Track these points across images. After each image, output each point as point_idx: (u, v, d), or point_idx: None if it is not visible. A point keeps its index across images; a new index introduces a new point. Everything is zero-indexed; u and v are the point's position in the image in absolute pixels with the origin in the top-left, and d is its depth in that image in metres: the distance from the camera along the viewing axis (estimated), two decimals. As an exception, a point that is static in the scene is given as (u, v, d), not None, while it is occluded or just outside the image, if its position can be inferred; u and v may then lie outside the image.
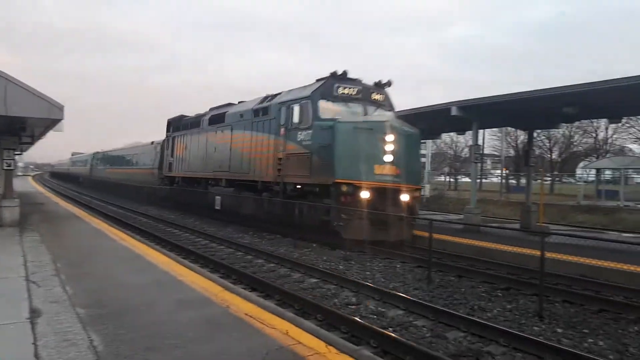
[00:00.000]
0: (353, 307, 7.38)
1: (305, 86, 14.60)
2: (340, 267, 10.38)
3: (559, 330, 6.48)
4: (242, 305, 5.70)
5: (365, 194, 12.14)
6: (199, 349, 4.24)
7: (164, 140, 25.68)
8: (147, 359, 3.99)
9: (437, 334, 6.23)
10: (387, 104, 14.57)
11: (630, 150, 48.85)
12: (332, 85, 13.68)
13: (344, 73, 14.10)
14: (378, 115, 13.90)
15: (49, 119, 11.17)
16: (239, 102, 19.24)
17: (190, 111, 24.19)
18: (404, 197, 12.80)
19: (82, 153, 60.97)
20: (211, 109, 21.17)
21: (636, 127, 45.44)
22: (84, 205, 23.50)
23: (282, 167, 14.22)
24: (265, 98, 16.29)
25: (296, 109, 13.77)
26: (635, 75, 10.96)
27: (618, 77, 11.41)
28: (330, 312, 6.72)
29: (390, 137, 12.48)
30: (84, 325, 4.75)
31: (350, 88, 13.86)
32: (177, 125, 23.74)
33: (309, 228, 13.25)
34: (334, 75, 13.96)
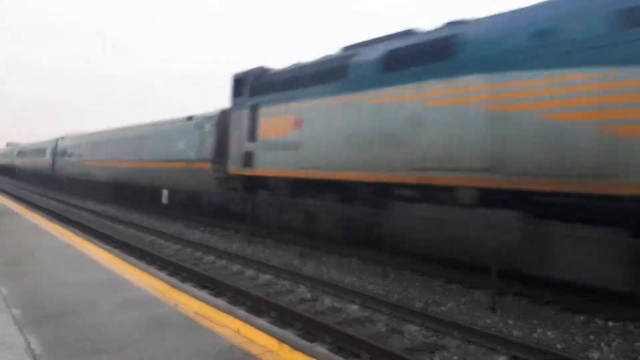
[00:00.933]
0: (308, 303, 7.29)
1: None
2: (295, 262, 10.28)
3: (510, 322, 6.61)
4: (191, 304, 5.50)
5: None
6: (146, 350, 4.02)
7: (222, 113, 15.31)
8: (90, 362, 3.75)
9: (393, 328, 6.24)
10: None
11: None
12: None
13: None
14: None
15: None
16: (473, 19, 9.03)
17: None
18: None
19: (18, 143, 56.26)
20: (358, 45, 11.14)
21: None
22: (24, 201, 22.34)
23: None
24: None
25: None
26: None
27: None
28: (284, 309, 6.61)
29: None
30: (20, 327, 4.42)
31: None
32: (264, 83, 13.39)
33: None
34: None
